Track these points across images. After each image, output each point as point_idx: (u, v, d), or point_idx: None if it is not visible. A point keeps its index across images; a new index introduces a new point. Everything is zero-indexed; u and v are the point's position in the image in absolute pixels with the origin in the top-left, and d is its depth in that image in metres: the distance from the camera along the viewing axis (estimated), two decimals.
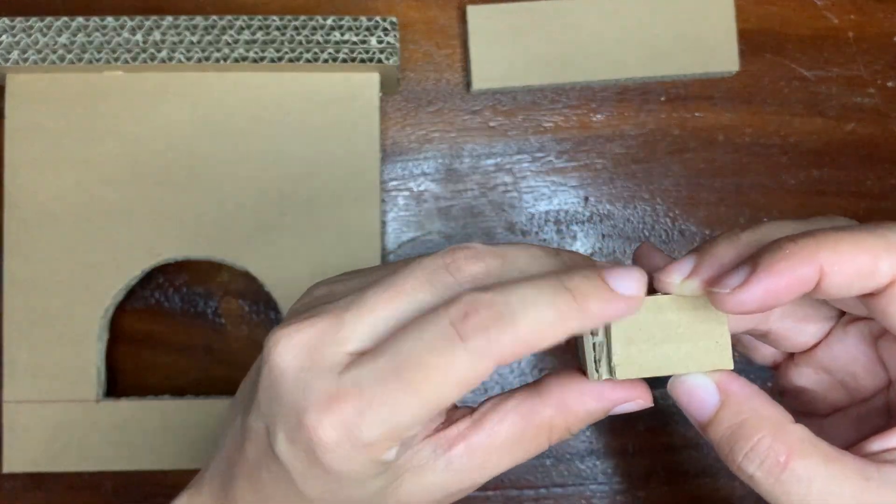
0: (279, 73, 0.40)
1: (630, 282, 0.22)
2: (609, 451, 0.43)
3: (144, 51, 0.38)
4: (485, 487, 0.43)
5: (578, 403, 0.23)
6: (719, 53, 0.42)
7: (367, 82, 0.40)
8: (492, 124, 0.44)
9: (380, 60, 0.39)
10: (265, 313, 0.43)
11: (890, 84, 0.45)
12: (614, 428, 0.43)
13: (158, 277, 0.43)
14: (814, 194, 0.44)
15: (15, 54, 0.38)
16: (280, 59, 0.38)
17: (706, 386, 0.22)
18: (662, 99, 0.44)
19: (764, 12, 0.45)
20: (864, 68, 0.45)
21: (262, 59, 0.38)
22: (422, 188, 0.44)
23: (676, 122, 0.44)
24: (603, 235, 0.44)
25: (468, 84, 0.43)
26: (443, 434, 0.24)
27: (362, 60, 0.39)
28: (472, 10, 0.42)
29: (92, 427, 0.39)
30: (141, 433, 0.39)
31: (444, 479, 0.23)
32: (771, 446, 0.21)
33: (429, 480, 0.23)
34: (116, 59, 0.38)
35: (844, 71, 0.44)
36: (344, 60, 0.39)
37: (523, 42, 0.42)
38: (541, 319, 0.20)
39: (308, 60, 0.38)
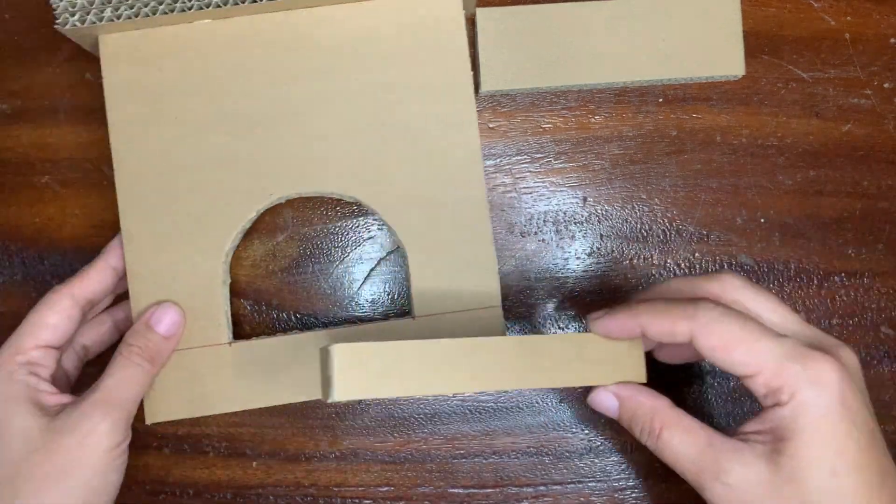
0: (363, 2, 0.40)
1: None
2: (608, 449, 0.43)
3: None
4: (485, 485, 0.43)
5: (139, 338, 0.38)
6: (725, 57, 0.43)
7: (451, 1, 0.40)
8: (491, 125, 0.44)
9: None
10: (267, 313, 0.44)
11: (886, 85, 0.45)
12: (613, 426, 0.43)
13: None
14: (810, 195, 0.44)
15: (108, 12, 0.38)
16: None
17: (608, 396, 0.34)
18: (660, 100, 0.44)
19: (761, 14, 0.45)
20: (861, 70, 0.45)
21: None
22: None
23: (674, 123, 0.44)
24: (601, 236, 0.44)
25: (477, 86, 0.43)
26: (79, 395, 0.36)
27: None
28: (482, 13, 0.42)
29: (228, 369, 0.40)
30: (276, 370, 0.40)
31: (96, 415, 0.34)
32: (651, 423, 0.32)
33: (88, 421, 0.34)
34: (207, 5, 0.39)
35: (841, 72, 0.45)
36: None
37: (532, 45, 0.42)
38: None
39: None
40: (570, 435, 0.44)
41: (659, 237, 0.44)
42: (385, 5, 0.40)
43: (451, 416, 0.44)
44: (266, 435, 0.44)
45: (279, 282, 0.44)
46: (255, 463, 0.44)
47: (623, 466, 0.43)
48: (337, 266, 0.44)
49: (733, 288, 0.32)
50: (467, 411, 0.44)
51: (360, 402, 0.44)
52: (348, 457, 0.44)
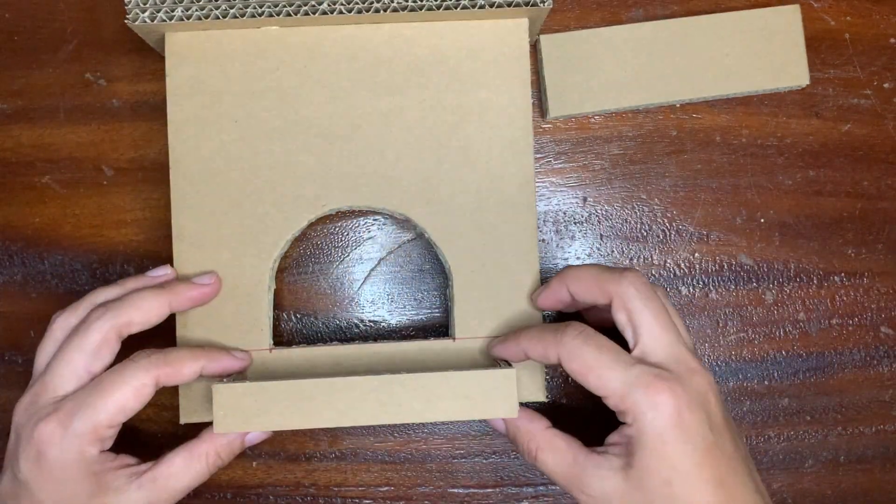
0: (431, 22, 0.41)
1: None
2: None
3: (305, 3, 0.39)
4: (485, 485, 0.43)
5: (221, 438, 0.37)
6: (789, 68, 0.43)
7: (517, 28, 0.41)
8: None
9: (535, 3, 0.39)
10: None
11: (886, 85, 0.45)
12: (612, 427, 0.43)
13: None
14: (810, 195, 0.44)
15: (179, 11, 0.38)
16: (438, 6, 0.39)
17: (499, 421, 0.38)
18: None
19: None
20: (861, 70, 0.45)
21: (420, 7, 0.39)
22: None
23: (674, 123, 0.44)
24: (601, 236, 0.44)
25: (544, 111, 0.43)
26: (135, 468, 0.36)
27: (517, 5, 0.39)
28: (546, 39, 0.43)
29: (265, 376, 0.39)
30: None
31: (140, 496, 0.35)
32: (528, 445, 0.36)
33: (128, 497, 0.35)
34: (278, 13, 0.39)
35: (841, 72, 0.45)
36: (499, 6, 0.39)
37: (596, 68, 0.43)
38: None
39: (465, 7, 0.39)
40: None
41: (659, 237, 0.44)
42: (453, 28, 0.41)
43: None
44: None
45: (279, 282, 0.44)
46: (255, 463, 0.44)
47: None
48: (337, 266, 0.44)
49: (626, 298, 0.35)
50: None
51: None
52: (348, 457, 0.44)
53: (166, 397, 0.43)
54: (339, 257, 0.44)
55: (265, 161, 0.40)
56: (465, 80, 0.40)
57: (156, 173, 0.44)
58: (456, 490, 0.44)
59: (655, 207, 0.44)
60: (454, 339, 0.40)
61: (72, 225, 0.44)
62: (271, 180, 0.40)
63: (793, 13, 0.43)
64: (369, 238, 0.44)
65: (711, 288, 0.44)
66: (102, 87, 0.44)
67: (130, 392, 0.35)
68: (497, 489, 0.44)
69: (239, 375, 0.38)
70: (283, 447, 0.44)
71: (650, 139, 0.44)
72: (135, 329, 0.37)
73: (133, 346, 0.37)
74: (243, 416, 0.35)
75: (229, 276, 0.40)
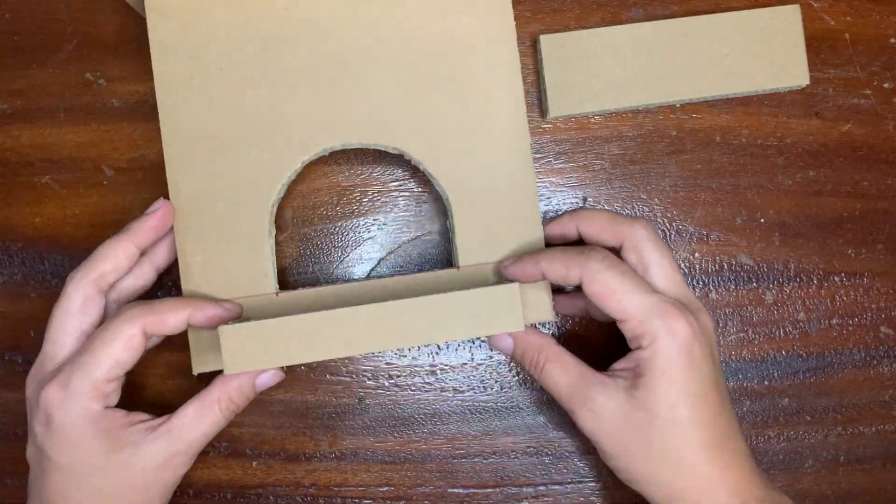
0: None
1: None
2: None
3: None
4: (485, 485, 0.43)
5: (231, 382, 0.37)
6: (789, 68, 0.43)
7: None
8: None
9: None
10: None
11: (886, 85, 0.45)
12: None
13: (163, 279, 0.43)
14: (810, 195, 0.44)
15: None
16: None
17: (505, 337, 0.39)
18: None
19: None
20: (861, 70, 0.45)
21: None
22: (422, 188, 0.44)
23: (674, 123, 0.44)
24: None
25: (544, 111, 0.43)
26: (149, 422, 0.37)
27: None
28: (545, 39, 0.43)
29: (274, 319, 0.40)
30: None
31: (157, 447, 0.36)
32: (536, 358, 0.37)
33: (145, 450, 0.36)
34: None
35: (841, 72, 0.45)
36: None
37: (596, 68, 0.43)
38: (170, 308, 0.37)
39: None
40: (570, 435, 0.44)
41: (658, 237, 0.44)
42: None
43: (451, 416, 0.44)
44: (266, 435, 0.44)
45: (279, 282, 0.44)
46: (255, 463, 0.44)
47: None
48: (337, 266, 0.44)
49: (639, 238, 0.37)
50: (467, 411, 0.44)
51: (358, 401, 0.44)
52: (348, 457, 0.44)
53: (166, 397, 0.43)
54: (339, 257, 0.44)
55: (255, 107, 0.40)
56: (446, 6, 0.40)
57: (156, 173, 0.44)
58: (456, 490, 0.44)
59: (655, 207, 0.44)
60: (458, 267, 0.40)
61: (72, 225, 0.44)
62: (262, 126, 0.40)
63: (793, 13, 0.43)
64: (369, 238, 0.44)
65: (711, 288, 0.44)
66: (102, 87, 0.44)
67: (121, 344, 0.36)
68: (497, 489, 0.44)
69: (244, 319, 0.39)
70: (282, 447, 0.44)
71: (650, 139, 0.44)
72: (111, 278, 0.38)
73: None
74: (252, 355, 0.36)
75: (228, 225, 0.40)
